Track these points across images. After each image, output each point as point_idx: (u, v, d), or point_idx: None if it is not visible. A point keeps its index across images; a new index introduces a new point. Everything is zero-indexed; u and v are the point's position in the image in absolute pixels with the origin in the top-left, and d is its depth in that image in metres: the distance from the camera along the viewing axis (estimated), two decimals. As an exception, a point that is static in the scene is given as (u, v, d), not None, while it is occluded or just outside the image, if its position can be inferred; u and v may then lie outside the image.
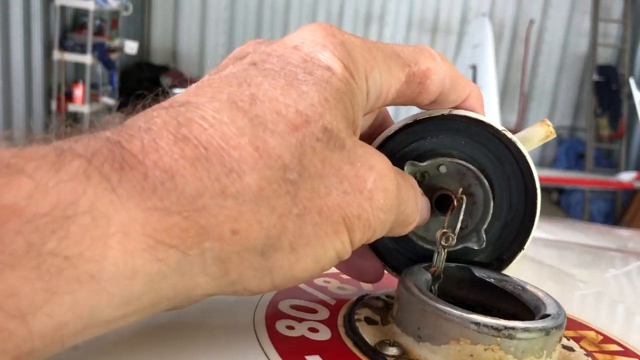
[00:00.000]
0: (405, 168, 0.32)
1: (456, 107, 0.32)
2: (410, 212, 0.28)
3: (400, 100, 0.29)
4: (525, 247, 0.33)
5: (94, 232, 0.19)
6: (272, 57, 0.26)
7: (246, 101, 0.23)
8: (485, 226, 0.32)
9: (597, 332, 0.36)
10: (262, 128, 0.23)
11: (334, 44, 0.26)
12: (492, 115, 3.27)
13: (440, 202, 0.32)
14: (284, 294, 0.33)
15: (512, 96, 5.77)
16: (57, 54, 4.15)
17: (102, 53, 4.35)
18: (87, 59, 4.19)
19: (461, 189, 0.32)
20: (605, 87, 5.35)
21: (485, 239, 0.33)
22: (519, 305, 0.32)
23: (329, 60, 0.26)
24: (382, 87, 0.28)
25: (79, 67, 4.38)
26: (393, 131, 0.31)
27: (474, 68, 3.74)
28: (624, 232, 2.91)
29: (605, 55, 5.62)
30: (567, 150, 5.72)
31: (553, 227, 2.57)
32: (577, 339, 0.34)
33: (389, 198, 0.26)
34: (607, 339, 0.35)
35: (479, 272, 0.33)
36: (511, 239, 0.33)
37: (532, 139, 0.33)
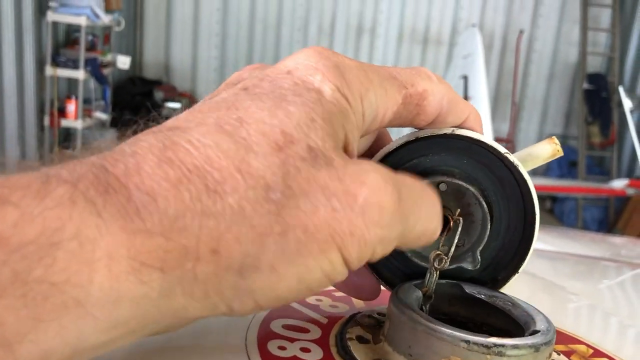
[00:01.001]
0: None
1: (458, 127, 0.31)
2: (427, 223, 0.27)
3: (398, 122, 0.30)
4: (521, 270, 0.33)
5: (80, 257, 0.19)
6: (264, 82, 0.26)
7: (232, 124, 0.23)
8: (481, 247, 0.32)
9: (588, 345, 0.36)
10: (246, 150, 0.23)
11: (327, 67, 0.26)
12: (484, 125, 3.29)
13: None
14: (276, 313, 0.33)
15: (503, 105, 5.81)
16: (49, 70, 4.15)
17: (95, 68, 4.36)
18: (80, 74, 4.20)
19: (459, 210, 0.32)
20: (596, 95, 5.40)
21: (480, 260, 0.33)
22: (509, 321, 0.32)
23: (320, 82, 0.26)
24: (379, 108, 0.28)
25: (72, 83, 4.38)
26: (394, 147, 0.31)
27: (465, 78, 3.76)
28: (617, 240, 2.92)
29: (594, 64, 5.67)
30: (560, 158, 5.74)
31: (546, 235, 2.57)
32: (568, 354, 0.34)
33: (385, 213, 0.24)
34: (598, 353, 0.35)
35: (469, 289, 0.33)
36: (507, 260, 0.33)
37: (538, 157, 0.33)
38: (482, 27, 5.44)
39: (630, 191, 3.84)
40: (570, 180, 5.27)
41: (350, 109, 0.26)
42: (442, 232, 0.31)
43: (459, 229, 0.32)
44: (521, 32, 5.27)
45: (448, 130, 0.31)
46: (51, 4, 4.04)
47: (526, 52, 5.78)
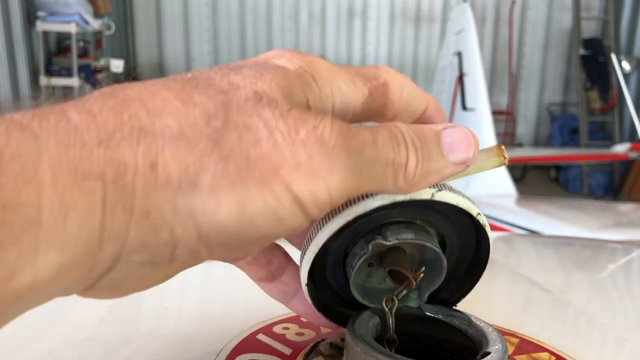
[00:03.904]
0: (369, 247, 0.31)
1: (420, 119, 0.32)
2: (387, 154, 0.26)
3: (368, 114, 0.30)
4: (456, 306, 0.34)
5: (24, 176, 0.20)
6: (230, 64, 0.27)
7: (185, 78, 0.25)
8: (430, 291, 0.33)
9: (551, 352, 0.36)
10: (191, 90, 0.24)
11: (294, 54, 0.28)
12: (482, 100, 3.28)
13: (395, 275, 0.31)
14: (240, 349, 0.34)
15: (501, 78, 5.78)
16: (43, 80, 4.16)
17: (89, 74, 4.36)
18: (74, 81, 4.20)
19: (423, 268, 0.32)
20: (593, 60, 5.36)
21: (426, 300, 0.33)
22: (468, 337, 0.33)
23: (284, 62, 0.27)
24: (349, 98, 0.29)
25: (67, 91, 4.38)
26: (368, 209, 0.29)
27: (459, 55, 3.74)
28: (622, 207, 2.92)
29: (589, 29, 5.62)
30: (561, 126, 5.72)
31: (551, 207, 2.55)
32: (529, 364, 0.35)
33: (327, 143, 0.24)
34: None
35: (427, 310, 0.34)
36: (453, 285, 0.35)
37: (481, 165, 0.32)
38: (474, 0, 5.39)
39: (634, 154, 3.81)
40: (572, 147, 5.25)
41: (314, 83, 0.27)
42: (396, 280, 0.31)
43: (418, 281, 0.31)
44: (513, 2, 5.22)
45: (427, 196, 0.29)
46: (39, 13, 4.03)
47: (519, 22, 5.73)
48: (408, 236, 0.31)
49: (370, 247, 0.30)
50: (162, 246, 0.23)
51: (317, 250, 0.30)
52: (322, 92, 0.28)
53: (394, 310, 0.32)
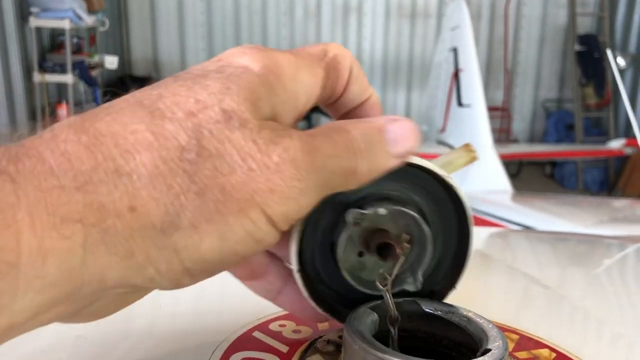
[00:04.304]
0: (348, 216, 0.31)
1: (361, 109, 0.33)
2: (344, 164, 0.27)
3: (327, 92, 0.31)
4: (457, 285, 0.34)
5: (3, 222, 0.20)
6: (193, 69, 0.27)
7: (151, 99, 0.25)
8: (421, 268, 0.33)
9: (551, 349, 0.36)
10: (161, 117, 0.24)
11: (255, 51, 0.28)
12: (477, 96, 3.28)
13: (383, 249, 0.32)
14: (236, 346, 0.34)
15: (497, 73, 5.78)
16: (37, 76, 4.14)
17: (83, 71, 4.34)
18: (68, 78, 4.18)
19: (407, 237, 0.32)
20: (588, 56, 5.36)
21: (422, 281, 0.33)
22: (467, 334, 0.33)
23: (247, 61, 0.27)
24: (312, 87, 0.29)
25: (61, 87, 4.37)
26: None
27: (454, 50, 3.74)
28: (617, 203, 2.92)
29: (585, 25, 5.63)
30: (556, 122, 5.73)
31: (546, 203, 2.56)
32: (529, 361, 0.35)
33: (300, 166, 0.25)
34: (561, 356, 0.35)
35: (426, 306, 0.34)
36: (442, 275, 0.34)
37: (454, 163, 0.34)
38: (469, -4, 5.38)
39: (629, 150, 3.83)
40: (568, 144, 5.26)
41: (279, 83, 0.27)
42: (387, 258, 0.32)
43: (408, 254, 0.32)
44: (508, -2, 5.22)
45: None
46: (32, 9, 4.01)
47: (515, 18, 5.73)
48: (384, 205, 0.32)
49: (349, 217, 0.31)
50: (148, 281, 0.24)
51: (300, 229, 0.31)
52: (287, 91, 0.28)
53: (388, 287, 0.32)
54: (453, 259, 0.34)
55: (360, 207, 0.32)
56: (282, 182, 0.24)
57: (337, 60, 0.31)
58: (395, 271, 0.32)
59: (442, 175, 0.31)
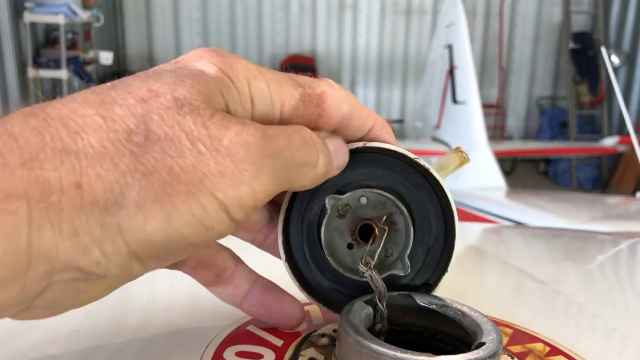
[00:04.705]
0: (326, 201, 0.33)
1: (369, 140, 0.33)
2: (304, 154, 0.28)
3: (301, 120, 0.30)
4: (449, 269, 0.34)
5: None
6: (151, 69, 0.27)
7: (103, 89, 0.25)
8: (408, 252, 0.34)
9: (545, 343, 0.36)
10: (111, 103, 0.24)
11: (213, 55, 0.28)
12: (472, 93, 3.28)
13: (364, 233, 0.33)
14: (230, 340, 0.34)
15: (491, 71, 5.79)
16: (31, 72, 4.12)
17: (77, 66, 4.32)
18: (63, 73, 4.16)
19: (385, 216, 0.33)
20: (582, 53, 5.38)
21: (409, 265, 0.34)
22: (462, 328, 0.33)
23: (203, 65, 0.27)
24: (273, 98, 0.29)
25: (56, 83, 4.35)
26: None
27: (449, 47, 3.74)
28: (610, 200, 2.93)
29: (579, 22, 5.64)
30: (550, 119, 5.75)
31: (540, 200, 2.57)
32: (523, 355, 0.35)
33: (252, 149, 0.25)
34: (555, 350, 0.35)
35: (420, 300, 0.34)
36: (435, 262, 0.35)
37: (447, 167, 0.35)
38: (464, -7, 5.39)
39: (622, 148, 3.84)
40: (562, 141, 5.27)
41: (232, 86, 0.27)
42: (367, 240, 0.33)
43: (385, 235, 0.33)
44: (503, -5, 5.22)
45: (360, 144, 0.32)
46: (27, 4, 3.98)
47: (510, 15, 5.74)
48: (361, 190, 0.33)
49: (327, 202, 0.33)
50: (94, 265, 0.23)
51: (283, 219, 0.33)
52: (242, 94, 0.28)
53: (371, 264, 0.32)
54: (443, 247, 0.34)
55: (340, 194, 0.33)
56: (232, 165, 0.24)
57: (322, 98, 0.30)
58: (379, 247, 0.33)
59: (413, 157, 0.33)
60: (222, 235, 0.26)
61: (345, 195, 0.33)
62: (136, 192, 0.23)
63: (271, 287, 0.35)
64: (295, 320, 0.35)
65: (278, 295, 0.34)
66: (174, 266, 0.33)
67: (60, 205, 0.22)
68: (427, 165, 0.33)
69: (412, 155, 0.33)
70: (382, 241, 0.33)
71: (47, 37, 4.44)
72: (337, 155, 0.31)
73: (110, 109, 0.24)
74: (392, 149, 0.33)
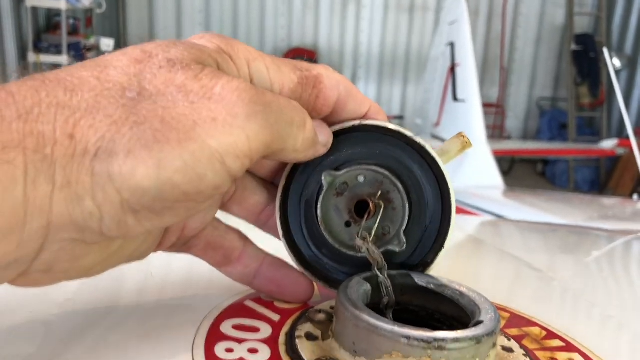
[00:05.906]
0: (322, 178, 0.33)
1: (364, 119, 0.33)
2: (291, 113, 0.28)
3: (299, 103, 0.30)
4: (445, 246, 0.34)
5: None
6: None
7: (103, 57, 0.26)
8: (403, 228, 0.34)
9: (541, 327, 0.36)
10: (106, 66, 0.25)
11: (214, 36, 0.29)
12: (473, 92, 3.27)
13: (361, 210, 0.34)
14: (227, 314, 0.33)
15: (492, 71, 5.79)
16: (32, 56, 4.10)
17: (78, 52, 4.31)
18: (63, 59, 4.15)
19: (380, 192, 0.33)
20: (584, 55, 5.38)
21: (405, 241, 0.34)
22: (460, 308, 0.33)
23: (205, 42, 0.28)
24: (273, 80, 0.29)
25: (56, 68, 4.32)
26: None
27: (451, 45, 3.73)
28: (607, 201, 2.94)
29: (582, 25, 5.64)
30: (550, 120, 5.75)
31: (537, 200, 2.57)
32: (520, 338, 0.35)
33: (243, 94, 0.25)
34: (551, 334, 0.35)
35: (419, 279, 0.34)
36: (432, 241, 0.35)
37: (449, 152, 0.35)
38: (468, -9, 5.38)
39: (620, 151, 3.84)
40: (561, 142, 5.28)
41: (230, 60, 0.28)
42: (364, 216, 0.33)
43: (381, 210, 0.33)
44: (507, -5, 5.22)
45: (356, 122, 0.33)
46: (29, -12, 3.97)
47: (513, 15, 5.73)
48: (358, 168, 0.33)
49: (324, 179, 0.33)
50: (88, 218, 0.23)
51: (281, 195, 0.34)
52: (240, 72, 0.28)
53: (369, 238, 0.33)
54: (440, 225, 0.35)
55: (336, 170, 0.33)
56: (224, 110, 0.25)
57: (319, 80, 0.31)
58: (376, 223, 0.33)
59: (410, 135, 0.33)
60: (219, 189, 0.26)
61: (341, 172, 0.33)
62: (127, 139, 0.23)
63: (280, 264, 0.35)
64: (305, 294, 0.35)
65: (287, 271, 0.35)
66: (181, 249, 0.33)
67: (53, 156, 0.22)
68: (424, 143, 0.33)
69: (409, 133, 0.33)
70: (379, 216, 0.33)
71: (49, 23, 4.43)
72: (322, 132, 0.31)
73: (105, 70, 0.25)
74: (388, 126, 0.33)
